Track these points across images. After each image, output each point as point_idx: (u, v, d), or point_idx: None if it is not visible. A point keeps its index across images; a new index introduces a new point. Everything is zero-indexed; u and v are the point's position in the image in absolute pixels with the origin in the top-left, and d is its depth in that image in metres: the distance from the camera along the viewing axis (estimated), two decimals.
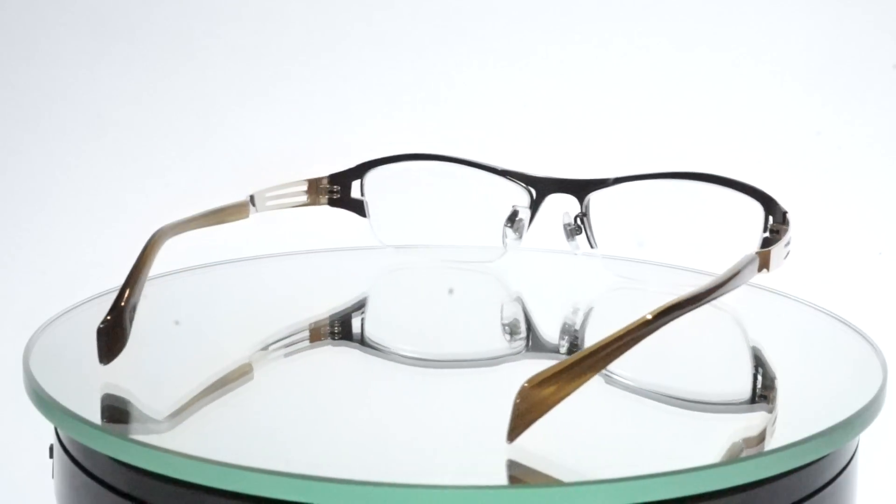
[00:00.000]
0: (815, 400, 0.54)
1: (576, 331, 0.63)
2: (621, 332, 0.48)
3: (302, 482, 0.44)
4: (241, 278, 0.71)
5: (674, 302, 0.50)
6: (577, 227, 0.65)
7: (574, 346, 0.59)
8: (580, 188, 0.65)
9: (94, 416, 0.49)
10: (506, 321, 0.64)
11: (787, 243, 0.60)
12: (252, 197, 0.68)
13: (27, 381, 0.52)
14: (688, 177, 0.64)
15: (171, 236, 0.61)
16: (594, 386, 0.48)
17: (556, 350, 0.59)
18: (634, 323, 0.48)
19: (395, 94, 1.04)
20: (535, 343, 0.61)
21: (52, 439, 0.54)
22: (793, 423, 0.51)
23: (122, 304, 0.56)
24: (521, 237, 0.66)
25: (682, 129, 1.01)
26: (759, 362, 0.58)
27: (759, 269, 0.57)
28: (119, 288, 0.57)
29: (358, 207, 0.70)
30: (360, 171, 0.70)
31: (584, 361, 0.47)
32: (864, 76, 1.00)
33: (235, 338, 0.61)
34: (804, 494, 0.49)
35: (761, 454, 0.47)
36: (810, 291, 0.67)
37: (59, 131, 1.04)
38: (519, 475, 0.46)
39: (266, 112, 1.04)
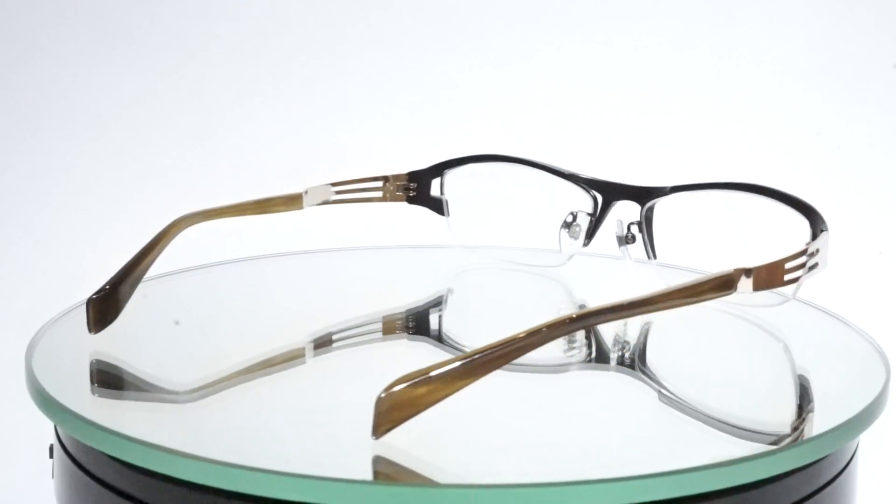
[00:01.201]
0: (817, 400, 0.54)
1: (626, 342, 0.60)
2: (505, 341, 0.47)
3: (302, 482, 0.44)
4: (293, 273, 0.72)
5: (583, 312, 0.50)
6: (632, 235, 0.64)
7: (623, 359, 0.58)
8: (642, 195, 0.63)
9: (95, 415, 0.49)
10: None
11: (798, 264, 0.56)
12: (307, 190, 0.68)
13: (28, 381, 0.52)
14: (747, 189, 0.61)
15: (200, 221, 0.63)
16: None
17: (619, 362, 0.58)
18: (526, 331, 0.48)
19: (395, 95, 1.04)
20: (599, 353, 0.60)
21: (52, 439, 0.54)
22: (793, 423, 0.51)
23: (123, 277, 0.58)
24: (580, 242, 0.65)
25: (682, 129, 1.01)
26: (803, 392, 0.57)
27: (758, 288, 0.54)
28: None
29: (437, 206, 0.70)
30: (440, 169, 0.70)
31: (459, 365, 0.46)
32: (864, 76, 1.00)
33: (273, 335, 0.61)
34: (804, 494, 0.49)
35: (762, 455, 0.47)
36: (810, 291, 0.67)
37: (59, 131, 1.04)
38: (518, 475, 0.46)
39: (266, 112, 1.04)
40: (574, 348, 0.60)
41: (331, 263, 0.74)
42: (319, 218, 0.72)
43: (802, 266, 0.56)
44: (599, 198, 0.65)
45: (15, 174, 1.05)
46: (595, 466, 0.47)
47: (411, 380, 0.46)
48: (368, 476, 0.45)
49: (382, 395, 0.45)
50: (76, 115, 1.04)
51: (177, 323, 0.64)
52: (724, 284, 0.53)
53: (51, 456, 0.54)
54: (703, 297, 0.53)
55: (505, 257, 0.70)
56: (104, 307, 0.58)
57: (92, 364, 0.57)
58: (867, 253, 0.98)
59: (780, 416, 0.53)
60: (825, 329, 0.62)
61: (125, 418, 0.52)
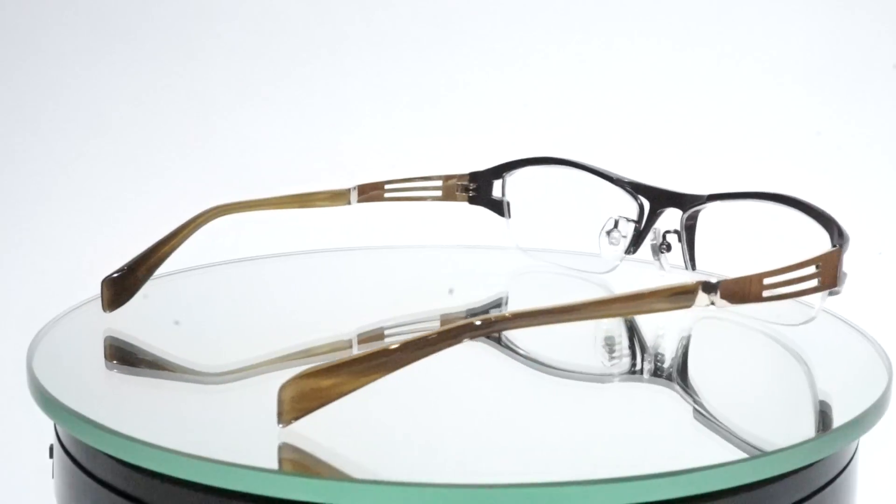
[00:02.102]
0: (819, 401, 0.54)
1: (660, 355, 0.59)
2: (420, 336, 0.47)
3: (303, 482, 0.44)
4: (343, 269, 0.72)
5: (506, 315, 0.49)
6: (667, 244, 0.63)
7: (659, 371, 0.57)
8: (685, 203, 0.62)
9: (95, 415, 0.49)
10: (609, 342, 0.61)
11: (782, 280, 0.53)
12: (356, 186, 0.69)
13: (30, 380, 0.52)
14: (780, 200, 0.59)
15: (234, 212, 0.64)
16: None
17: (669, 377, 0.56)
18: (442, 328, 0.48)
19: (395, 95, 1.04)
20: (646, 366, 0.58)
21: (53, 439, 0.54)
22: (795, 424, 0.51)
23: (141, 260, 0.61)
24: (621, 248, 0.64)
25: (681, 129, 1.01)
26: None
27: (728, 302, 0.52)
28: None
29: (497, 207, 0.70)
30: (501, 171, 0.70)
31: (369, 360, 0.47)
32: (864, 76, 1.00)
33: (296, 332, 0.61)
34: (804, 495, 0.49)
35: (762, 456, 0.47)
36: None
37: (59, 131, 1.04)
38: (517, 475, 0.46)
39: (266, 112, 1.04)
40: (615, 357, 0.59)
41: (379, 261, 0.75)
42: (355, 215, 0.72)
43: (790, 283, 0.53)
44: (647, 205, 0.63)
45: (15, 174, 1.05)
46: (596, 467, 0.47)
47: (317, 371, 0.46)
48: (368, 476, 0.45)
49: (285, 383, 0.46)
50: (76, 114, 1.04)
51: (176, 323, 0.64)
52: (678, 296, 0.52)
53: (51, 456, 0.54)
54: (656, 308, 0.51)
55: (557, 261, 0.69)
56: (118, 288, 0.60)
57: (96, 364, 0.57)
58: (867, 253, 0.97)
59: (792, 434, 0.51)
60: (827, 329, 0.62)
61: (125, 418, 0.52)
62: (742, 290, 0.53)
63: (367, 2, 1.04)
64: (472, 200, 0.71)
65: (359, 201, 0.69)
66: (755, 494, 0.47)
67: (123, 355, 0.59)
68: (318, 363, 0.47)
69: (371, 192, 0.69)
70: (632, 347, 0.60)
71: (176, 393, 0.54)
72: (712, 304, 0.52)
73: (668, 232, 0.63)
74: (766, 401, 0.55)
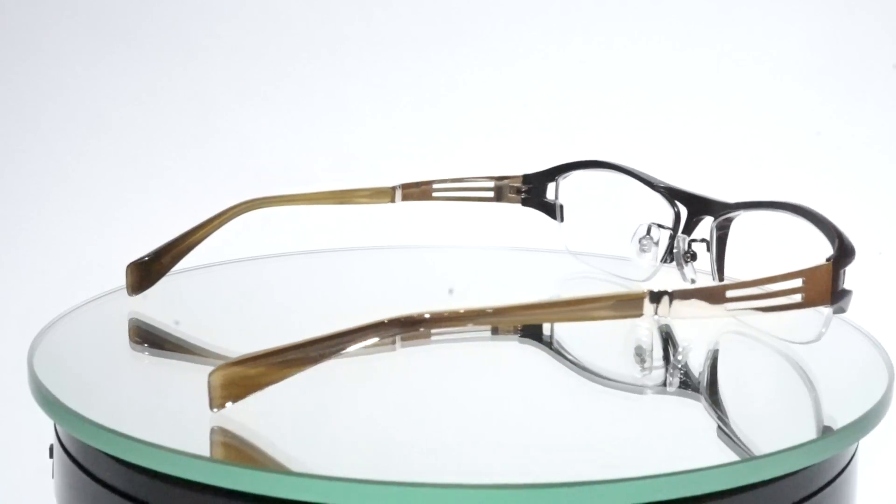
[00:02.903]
0: (820, 401, 0.54)
1: (685, 367, 0.58)
2: (341, 331, 0.48)
3: (302, 482, 0.44)
4: (387, 266, 0.73)
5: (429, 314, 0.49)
6: (692, 252, 0.61)
7: (685, 384, 0.56)
8: (715, 210, 0.60)
9: (96, 415, 0.49)
10: (640, 354, 0.60)
11: (749, 294, 0.51)
12: (402, 185, 0.69)
13: (31, 379, 0.52)
14: (797, 210, 0.58)
15: (268, 206, 0.65)
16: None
17: (696, 390, 0.56)
18: (352, 328, 0.48)
19: (395, 94, 1.04)
20: (681, 379, 0.57)
21: (53, 439, 0.54)
22: (796, 425, 0.51)
23: (167, 248, 0.62)
24: (653, 255, 0.63)
25: (681, 129, 1.01)
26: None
27: (682, 315, 0.51)
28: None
29: (550, 210, 0.70)
30: (554, 173, 0.70)
31: (285, 353, 0.48)
32: (864, 76, 1.00)
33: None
34: (804, 495, 0.49)
35: (763, 457, 0.47)
36: None
37: (60, 131, 1.04)
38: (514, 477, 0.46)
39: (266, 112, 1.04)
40: (646, 369, 0.58)
41: (424, 260, 0.75)
42: (394, 214, 0.72)
43: (767, 296, 0.51)
44: (684, 212, 0.62)
45: (15, 174, 1.05)
46: (599, 468, 0.47)
47: (243, 360, 0.48)
48: (368, 476, 0.45)
49: (213, 370, 0.48)
50: (76, 114, 1.04)
51: (177, 323, 0.64)
52: (623, 304, 0.50)
53: (51, 456, 0.54)
54: (599, 316, 0.50)
55: (604, 266, 0.68)
56: (143, 273, 0.62)
57: (98, 364, 0.57)
58: (867, 253, 0.97)
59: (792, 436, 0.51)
60: (830, 332, 0.62)
61: (125, 418, 0.52)
62: (700, 301, 0.51)
63: (367, 2, 1.04)
64: (525, 202, 0.70)
65: (403, 199, 0.69)
66: (754, 495, 0.47)
67: (127, 353, 0.59)
68: (248, 353, 0.48)
69: (417, 190, 0.69)
70: (665, 357, 0.60)
71: (176, 393, 0.54)
72: (663, 315, 0.51)
73: (693, 241, 0.61)
74: (767, 401, 0.55)
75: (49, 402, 0.50)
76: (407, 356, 0.58)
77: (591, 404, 0.55)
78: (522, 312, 0.50)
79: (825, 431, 0.50)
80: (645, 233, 0.64)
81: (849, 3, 1.00)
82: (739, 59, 1.01)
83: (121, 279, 0.62)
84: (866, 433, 0.50)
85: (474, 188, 0.71)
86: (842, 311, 0.53)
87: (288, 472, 0.44)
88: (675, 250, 0.62)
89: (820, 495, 0.49)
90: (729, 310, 0.52)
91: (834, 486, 0.50)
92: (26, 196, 1.05)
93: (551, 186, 0.70)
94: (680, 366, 0.58)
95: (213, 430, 0.49)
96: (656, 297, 0.51)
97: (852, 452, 0.52)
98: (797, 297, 0.52)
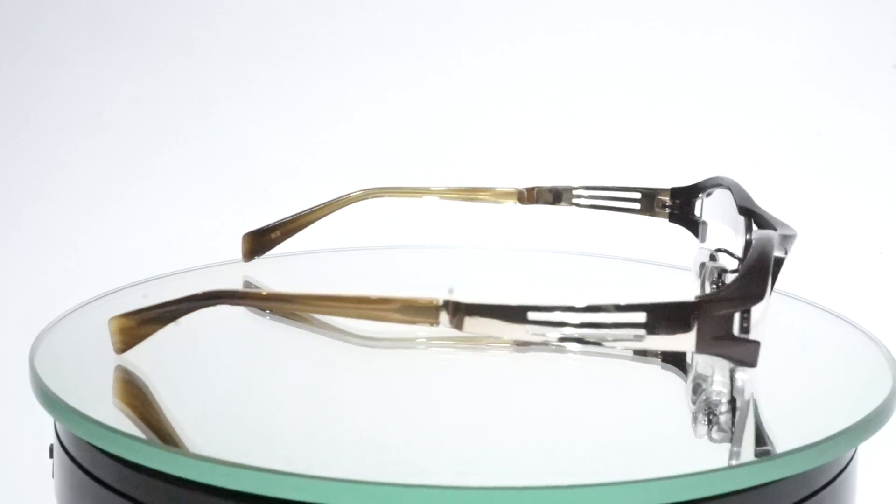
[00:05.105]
0: (820, 402, 0.54)
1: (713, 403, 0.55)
2: (175, 299, 0.53)
3: (302, 482, 0.44)
4: (510, 266, 0.74)
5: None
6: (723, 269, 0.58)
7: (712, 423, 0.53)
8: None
9: (96, 414, 0.49)
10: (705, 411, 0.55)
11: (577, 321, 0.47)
12: (535, 187, 0.69)
13: (32, 378, 0.52)
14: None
15: (389, 195, 0.69)
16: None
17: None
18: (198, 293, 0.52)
19: (395, 94, 1.04)
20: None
21: (53, 439, 0.54)
22: (797, 425, 0.51)
23: (281, 224, 0.68)
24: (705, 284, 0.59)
25: (681, 129, 1.01)
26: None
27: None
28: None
29: (694, 227, 0.67)
30: (698, 190, 0.66)
31: (147, 312, 0.53)
32: (864, 76, 1.00)
33: None
34: (804, 495, 0.49)
35: (763, 459, 0.47)
36: (810, 291, 0.67)
37: (59, 131, 1.04)
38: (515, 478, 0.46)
39: (266, 112, 1.04)
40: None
41: (424, 260, 0.76)
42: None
43: (589, 326, 0.47)
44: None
45: (14, 174, 1.05)
46: (599, 468, 0.47)
47: (127, 314, 0.53)
48: (368, 476, 0.45)
49: (112, 317, 0.53)
50: (76, 114, 1.04)
51: (177, 323, 0.64)
52: (412, 310, 0.48)
53: (51, 456, 0.54)
54: (391, 319, 0.48)
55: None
56: (255, 242, 0.68)
57: (99, 364, 0.57)
58: (867, 253, 0.97)
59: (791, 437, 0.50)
60: (828, 330, 0.62)
61: (125, 418, 0.52)
62: (495, 321, 0.48)
63: (367, 1, 1.04)
64: (672, 218, 0.67)
65: (535, 202, 0.69)
66: (754, 495, 0.47)
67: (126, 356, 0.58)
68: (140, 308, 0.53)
69: (550, 194, 0.69)
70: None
71: (176, 393, 0.54)
72: (456, 327, 0.48)
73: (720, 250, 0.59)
74: (767, 402, 0.55)
75: (49, 399, 0.50)
76: (407, 357, 0.58)
77: (591, 404, 0.55)
78: (318, 303, 0.51)
79: (827, 434, 0.50)
80: (707, 258, 0.60)
81: (849, 3, 1.00)
82: (739, 59, 1.01)
83: (122, 279, 0.62)
84: (869, 436, 0.50)
85: (620, 198, 0.69)
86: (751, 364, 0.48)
87: (288, 473, 0.44)
88: (702, 261, 0.59)
89: (820, 495, 0.49)
90: (530, 333, 0.47)
91: (834, 485, 0.50)
92: (27, 196, 1.05)
93: (697, 203, 0.66)
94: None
95: (214, 430, 0.49)
96: (454, 307, 0.48)
97: (852, 453, 0.53)
98: (638, 331, 0.47)
